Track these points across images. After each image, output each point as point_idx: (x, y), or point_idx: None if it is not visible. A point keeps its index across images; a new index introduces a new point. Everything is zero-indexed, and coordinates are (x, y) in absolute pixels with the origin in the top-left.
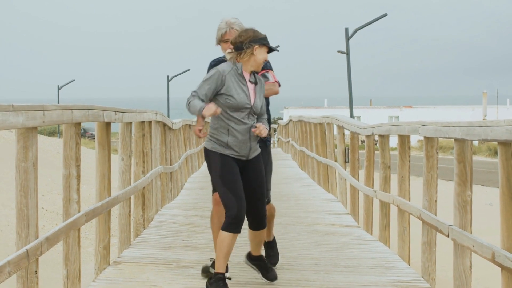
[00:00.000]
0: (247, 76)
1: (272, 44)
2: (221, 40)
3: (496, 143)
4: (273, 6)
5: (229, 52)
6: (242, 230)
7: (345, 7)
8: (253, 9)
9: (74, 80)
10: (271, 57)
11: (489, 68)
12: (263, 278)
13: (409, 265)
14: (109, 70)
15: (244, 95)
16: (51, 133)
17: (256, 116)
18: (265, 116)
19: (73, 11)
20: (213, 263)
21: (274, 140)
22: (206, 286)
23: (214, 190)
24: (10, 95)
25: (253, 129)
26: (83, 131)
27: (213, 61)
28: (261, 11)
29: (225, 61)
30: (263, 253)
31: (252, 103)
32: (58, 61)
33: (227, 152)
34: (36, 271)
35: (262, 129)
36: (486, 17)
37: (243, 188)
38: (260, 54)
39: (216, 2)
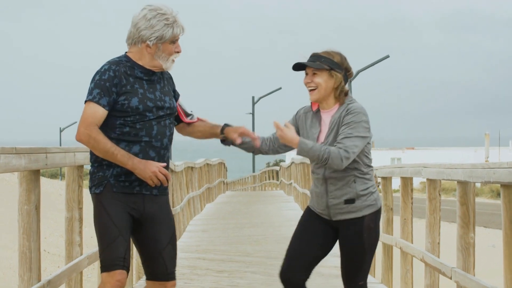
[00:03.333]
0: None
1: (273, 85)
2: (172, 40)
3: (499, 185)
4: (274, 45)
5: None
6: None
7: (347, 50)
8: (255, 48)
9: (76, 122)
10: (274, 96)
11: (490, 109)
12: None
13: None
14: None
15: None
16: (53, 175)
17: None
18: None
19: (75, 52)
20: None
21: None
22: None
23: None
24: (12, 136)
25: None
26: None
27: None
28: (262, 50)
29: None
30: None
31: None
32: (60, 101)
33: (310, 204)
34: None
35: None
36: (486, 58)
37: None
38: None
39: (213, 42)
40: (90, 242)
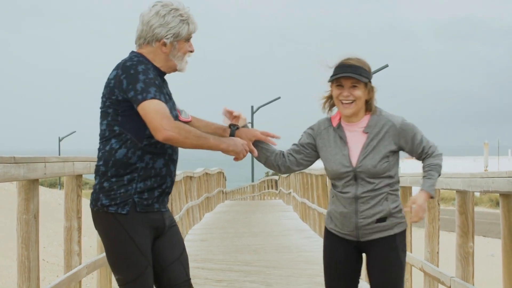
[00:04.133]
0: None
1: (272, 94)
2: (187, 38)
3: (498, 194)
4: (273, 53)
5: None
6: None
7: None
8: (253, 56)
9: (75, 131)
10: (273, 105)
11: (489, 118)
12: None
13: None
14: None
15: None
16: (52, 185)
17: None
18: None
19: (74, 60)
20: None
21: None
22: None
23: None
24: (10, 144)
25: None
26: None
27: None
28: (260, 58)
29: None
30: None
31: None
32: (59, 110)
33: (330, 226)
34: None
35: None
36: (485, 67)
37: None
38: None
39: (211, 50)
40: (89, 251)
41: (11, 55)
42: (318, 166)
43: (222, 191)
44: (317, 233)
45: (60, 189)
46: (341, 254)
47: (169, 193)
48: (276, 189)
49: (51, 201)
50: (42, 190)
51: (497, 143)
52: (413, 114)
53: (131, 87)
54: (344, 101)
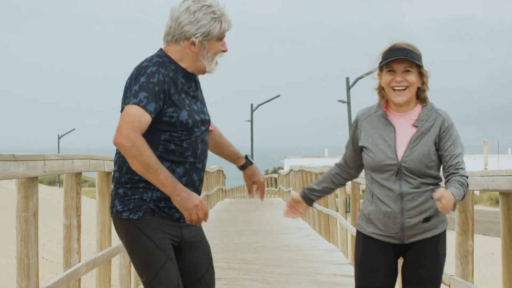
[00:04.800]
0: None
1: (272, 93)
2: (219, 37)
3: (498, 192)
4: (273, 53)
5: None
6: None
7: (346, 56)
8: (254, 56)
9: (74, 129)
10: (273, 104)
11: (489, 117)
12: None
13: None
14: (110, 118)
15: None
16: (51, 182)
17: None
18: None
19: (73, 60)
20: None
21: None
22: None
23: None
24: (10, 142)
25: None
26: None
27: None
28: (261, 57)
29: None
30: None
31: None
32: (59, 108)
33: (368, 230)
34: None
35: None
36: (485, 66)
37: None
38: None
39: None
40: (88, 249)
41: (11, 55)
42: (318, 164)
43: (222, 189)
44: (316, 231)
45: (59, 187)
46: (382, 263)
47: None
48: (276, 187)
49: (50, 199)
50: (41, 188)
51: (497, 142)
52: None
53: (132, 88)
54: (396, 88)
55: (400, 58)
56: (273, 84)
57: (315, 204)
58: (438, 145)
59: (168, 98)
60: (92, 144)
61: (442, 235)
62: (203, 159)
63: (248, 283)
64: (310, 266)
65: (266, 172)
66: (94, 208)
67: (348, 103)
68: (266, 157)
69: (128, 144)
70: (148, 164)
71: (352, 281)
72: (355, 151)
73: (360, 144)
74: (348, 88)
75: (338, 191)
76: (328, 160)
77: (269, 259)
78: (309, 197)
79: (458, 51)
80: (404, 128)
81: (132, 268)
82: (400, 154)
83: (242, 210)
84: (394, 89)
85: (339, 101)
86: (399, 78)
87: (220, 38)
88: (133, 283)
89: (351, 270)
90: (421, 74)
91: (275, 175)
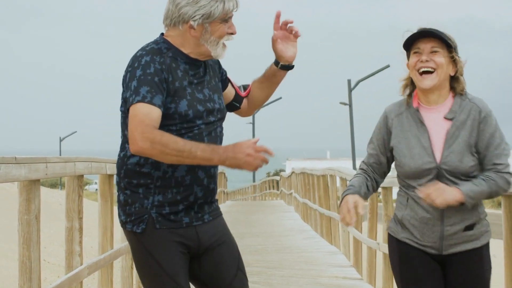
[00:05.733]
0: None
1: (273, 96)
2: (223, 18)
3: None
4: (272, 52)
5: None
6: None
7: (347, 57)
8: (256, 56)
9: (76, 131)
10: (274, 106)
11: None
12: None
13: None
14: (111, 119)
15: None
16: (53, 185)
17: None
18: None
19: (72, 57)
20: None
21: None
22: None
23: None
24: (11, 144)
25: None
26: None
27: None
28: (263, 57)
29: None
30: None
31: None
32: (60, 110)
33: (402, 235)
34: None
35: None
36: (485, 67)
37: None
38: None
39: None
40: (90, 252)
41: (12, 55)
42: (319, 166)
43: (224, 191)
44: (318, 233)
45: (61, 189)
46: (425, 269)
47: (205, 203)
48: (278, 190)
49: (52, 201)
50: (43, 190)
51: None
52: None
53: (129, 84)
54: (423, 69)
55: (426, 37)
56: None
57: (317, 207)
58: (476, 139)
59: (168, 87)
60: (93, 146)
61: (486, 248)
62: None
63: (250, 286)
64: (312, 269)
65: (268, 174)
66: (95, 210)
67: (350, 105)
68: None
69: (147, 145)
70: (179, 150)
71: (353, 283)
72: (385, 153)
73: (391, 144)
74: (350, 90)
75: (340, 192)
76: (330, 163)
77: (270, 261)
78: (361, 195)
79: (459, 52)
80: (437, 123)
81: (134, 270)
82: (438, 155)
83: (243, 213)
84: (420, 72)
85: (340, 103)
86: (425, 57)
87: (225, 19)
88: (135, 285)
89: (353, 272)
90: (454, 61)
91: (277, 178)
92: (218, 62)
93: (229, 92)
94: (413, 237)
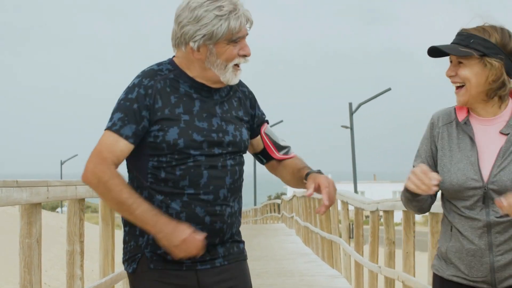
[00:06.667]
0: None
1: (273, 117)
2: (230, 39)
3: None
4: (272, 75)
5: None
6: None
7: (349, 81)
8: (247, 79)
9: (77, 155)
10: (275, 129)
11: None
12: None
13: None
14: None
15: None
16: (53, 208)
17: None
18: None
19: (74, 81)
20: None
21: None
22: None
23: None
24: (12, 168)
25: None
26: None
27: None
28: (265, 79)
29: None
30: None
31: None
32: (61, 132)
33: (447, 273)
34: None
35: None
36: None
37: None
38: None
39: None
40: (91, 275)
41: (14, 79)
42: None
43: None
44: (319, 257)
45: (61, 212)
46: None
47: (217, 245)
48: (279, 213)
49: (53, 224)
50: (44, 213)
51: None
52: (415, 137)
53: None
54: (452, 84)
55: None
56: (276, 109)
57: (318, 230)
58: None
59: (154, 113)
60: None
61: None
62: (214, 189)
63: None
64: None
65: (269, 197)
66: (96, 233)
67: (351, 128)
68: (268, 183)
69: (94, 181)
70: (119, 201)
71: None
72: (435, 167)
73: (438, 160)
74: (351, 113)
75: (341, 216)
76: None
77: (272, 285)
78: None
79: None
80: (490, 138)
81: None
82: (485, 173)
83: (245, 236)
84: (454, 86)
85: (342, 126)
86: (449, 72)
87: (233, 40)
88: None
89: None
90: (487, 66)
91: (278, 201)
92: (252, 99)
93: (256, 144)
94: (461, 272)
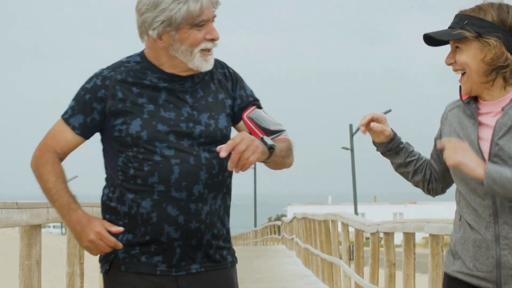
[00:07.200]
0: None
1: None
2: (192, 23)
3: None
4: (276, 97)
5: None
6: None
7: (349, 103)
8: None
9: (77, 176)
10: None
11: None
12: None
13: None
14: None
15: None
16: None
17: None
18: None
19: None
20: None
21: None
22: None
23: None
24: (11, 189)
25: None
26: None
27: None
28: (263, 99)
29: None
30: None
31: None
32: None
33: (452, 268)
34: None
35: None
36: None
37: None
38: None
39: None
40: None
41: (15, 94)
42: (321, 211)
43: None
44: (320, 279)
45: (62, 233)
46: None
47: (196, 249)
48: (279, 235)
49: (53, 246)
50: (43, 235)
51: None
52: None
53: None
54: (454, 71)
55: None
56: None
57: (319, 252)
58: None
59: (111, 106)
60: (95, 191)
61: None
62: (187, 185)
63: None
64: None
65: (270, 219)
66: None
67: (352, 150)
68: (269, 204)
69: (32, 166)
70: (44, 190)
71: None
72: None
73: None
74: (352, 135)
75: (342, 238)
76: (332, 208)
77: None
78: (398, 140)
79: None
80: (491, 116)
81: None
82: (485, 149)
83: (245, 257)
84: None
85: (342, 148)
86: (448, 59)
87: (197, 23)
88: None
89: None
90: (485, 46)
91: (278, 223)
92: (234, 80)
93: (242, 130)
94: (465, 267)
